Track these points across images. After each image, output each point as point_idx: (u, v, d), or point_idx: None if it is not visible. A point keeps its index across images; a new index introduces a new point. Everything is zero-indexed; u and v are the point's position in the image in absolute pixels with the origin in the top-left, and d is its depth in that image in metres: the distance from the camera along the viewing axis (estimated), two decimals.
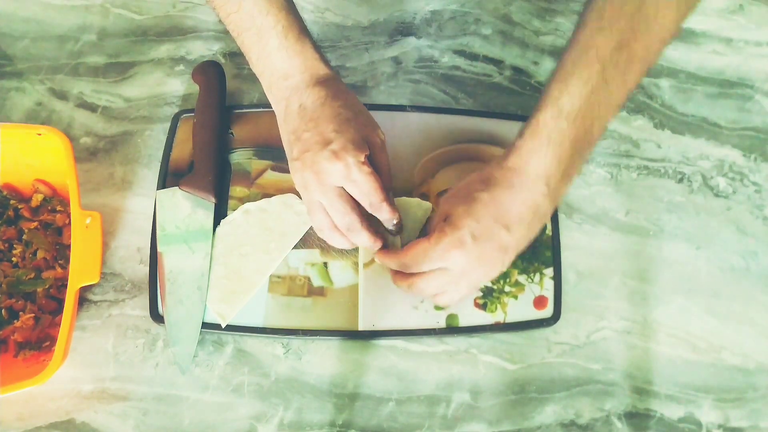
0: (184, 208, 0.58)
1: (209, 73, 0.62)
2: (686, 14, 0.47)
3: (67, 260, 0.55)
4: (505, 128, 0.63)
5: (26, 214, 0.57)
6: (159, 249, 0.57)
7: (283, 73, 0.51)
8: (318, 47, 0.52)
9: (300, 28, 0.51)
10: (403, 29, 0.69)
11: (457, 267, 0.49)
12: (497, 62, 0.68)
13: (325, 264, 0.57)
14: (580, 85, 0.46)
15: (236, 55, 0.67)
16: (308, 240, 0.58)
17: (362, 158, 0.49)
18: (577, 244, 0.61)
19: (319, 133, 0.49)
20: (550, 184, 0.48)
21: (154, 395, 0.54)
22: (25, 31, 0.67)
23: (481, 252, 0.48)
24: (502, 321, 0.57)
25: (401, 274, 0.53)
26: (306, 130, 0.50)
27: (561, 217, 0.61)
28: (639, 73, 0.47)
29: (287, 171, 0.60)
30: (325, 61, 0.52)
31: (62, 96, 0.64)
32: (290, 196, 0.59)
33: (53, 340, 0.53)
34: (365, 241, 0.52)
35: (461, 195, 0.50)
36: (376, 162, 0.51)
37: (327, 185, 0.49)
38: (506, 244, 0.49)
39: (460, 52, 0.68)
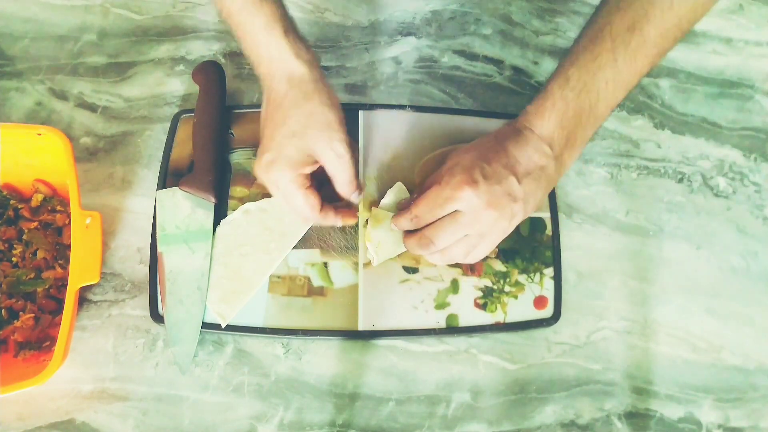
0: (184, 208, 0.58)
1: (209, 73, 0.62)
2: (702, 11, 0.48)
3: (67, 260, 0.55)
4: None
5: (26, 214, 0.57)
6: (159, 249, 0.57)
7: (264, 61, 0.50)
8: (301, 42, 0.50)
9: (284, 24, 0.49)
10: (403, 29, 0.69)
11: (469, 207, 0.49)
12: (497, 62, 0.68)
13: (325, 264, 0.57)
14: (589, 60, 0.48)
15: (236, 55, 0.67)
16: (308, 240, 0.58)
17: (292, 176, 0.50)
18: (577, 244, 0.61)
19: (267, 137, 0.50)
20: (553, 146, 0.50)
21: (154, 395, 0.54)
22: (25, 31, 0.67)
23: (491, 194, 0.49)
24: (502, 321, 0.57)
25: (413, 235, 0.53)
26: (264, 127, 0.51)
27: (561, 217, 0.61)
28: (650, 58, 0.48)
29: None
30: (305, 59, 0.50)
31: (62, 96, 0.64)
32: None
33: (53, 340, 0.53)
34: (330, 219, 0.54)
35: (469, 148, 0.53)
36: (331, 174, 0.51)
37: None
38: (515, 192, 0.50)
39: (460, 52, 0.68)
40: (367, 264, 0.58)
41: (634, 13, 0.47)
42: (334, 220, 0.54)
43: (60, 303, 0.55)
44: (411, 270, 0.58)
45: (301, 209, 0.52)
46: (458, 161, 0.51)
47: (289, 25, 0.50)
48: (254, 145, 0.61)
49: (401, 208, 0.56)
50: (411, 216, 0.52)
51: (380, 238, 0.56)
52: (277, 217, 0.58)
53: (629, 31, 0.47)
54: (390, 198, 0.58)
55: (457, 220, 0.50)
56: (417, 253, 0.54)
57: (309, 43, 0.51)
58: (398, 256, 0.57)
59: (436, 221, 0.51)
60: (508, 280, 0.58)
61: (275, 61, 0.49)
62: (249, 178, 0.60)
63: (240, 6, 0.49)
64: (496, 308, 0.57)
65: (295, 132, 0.49)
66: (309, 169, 0.50)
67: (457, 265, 0.58)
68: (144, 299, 0.57)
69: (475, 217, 0.50)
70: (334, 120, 0.50)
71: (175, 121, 0.62)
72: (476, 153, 0.51)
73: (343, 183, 0.52)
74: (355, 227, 0.59)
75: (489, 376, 0.57)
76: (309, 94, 0.49)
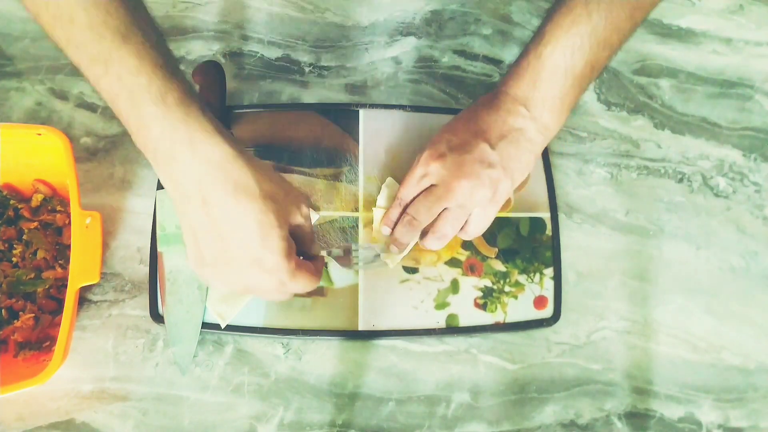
0: None
1: (209, 73, 0.62)
2: None
3: (67, 260, 0.55)
4: None
5: (26, 214, 0.57)
6: (159, 249, 0.57)
7: (166, 151, 0.39)
8: (206, 111, 0.41)
9: (182, 88, 0.39)
10: (403, 29, 0.69)
11: (439, 179, 0.50)
12: (497, 62, 0.68)
13: (326, 264, 0.57)
14: (563, 15, 0.48)
15: (236, 55, 0.67)
16: None
17: (293, 265, 0.43)
18: (577, 244, 0.61)
19: (239, 247, 0.41)
20: (529, 107, 0.50)
21: (154, 395, 0.54)
22: (25, 31, 0.66)
23: (460, 162, 0.49)
24: (502, 321, 0.57)
25: (401, 221, 0.53)
26: (217, 240, 0.41)
27: (561, 217, 0.61)
28: (626, 11, 0.47)
29: (288, 171, 0.60)
30: (219, 129, 0.41)
31: (62, 96, 0.64)
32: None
33: (53, 340, 0.53)
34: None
35: (444, 125, 0.53)
36: (303, 235, 0.46)
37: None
38: (488, 158, 0.50)
39: (460, 52, 0.68)
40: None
41: None
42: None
43: (60, 303, 0.55)
44: (411, 270, 0.58)
45: (311, 279, 0.45)
46: (432, 139, 0.53)
47: (183, 82, 0.40)
48: (254, 144, 0.61)
49: None
50: (397, 201, 0.54)
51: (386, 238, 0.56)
52: None
53: None
54: (385, 195, 0.58)
55: (432, 193, 0.51)
56: (406, 238, 0.54)
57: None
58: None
59: (415, 199, 0.52)
60: (508, 280, 0.58)
61: (187, 149, 0.39)
62: None
63: (119, 87, 0.38)
64: (496, 308, 0.57)
65: (261, 224, 0.41)
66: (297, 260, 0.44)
67: (457, 265, 0.58)
68: (144, 299, 0.57)
69: (448, 188, 0.50)
70: (286, 187, 0.44)
71: None
72: (446, 127, 0.53)
73: (311, 241, 0.47)
74: (356, 227, 0.59)
75: (489, 376, 0.57)
76: (247, 173, 0.40)
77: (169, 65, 0.39)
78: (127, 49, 0.37)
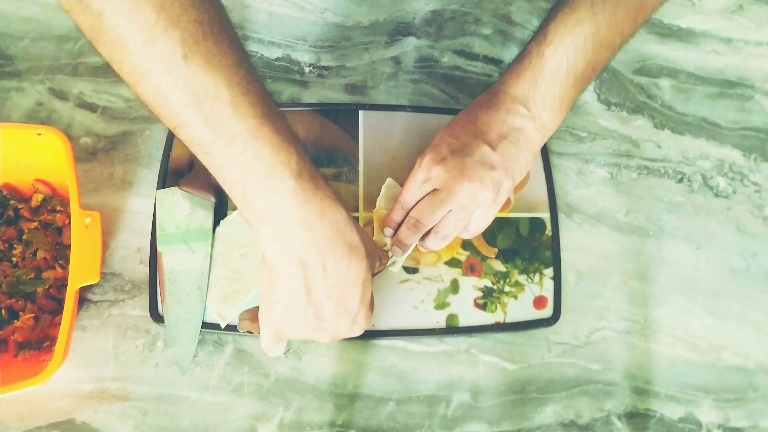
0: (184, 208, 0.58)
1: None
2: None
3: (67, 260, 0.55)
4: None
5: (26, 214, 0.57)
6: (159, 249, 0.57)
7: (296, 221, 0.40)
8: (325, 180, 0.43)
9: (309, 161, 0.41)
10: (403, 29, 0.69)
11: (442, 183, 0.50)
12: (497, 62, 0.68)
13: None
14: (567, 15, 0.48)
15: None
16: None
17: (371, 314, 0.48)
18: (577, 244, 0.61)
19: (342, 304, 0.44)
20: (529, 106, 0.50)
21: (154, 395, 0.54)
22: (25, 31, 0.66)
23: (462, 166, 0.49)
24: (502, 321, 0.57)
25: (404, 224, 0.53)
26: (329, 298, 0.44)
27: (561, 216, 0.61)
28: (631, 14, 0.47)
29: None
30: (335, 195, 0.43)
31: (62, 96, 0.64)
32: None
33: (53, 340, 0.53)
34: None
35: (445, 128, 0.53)
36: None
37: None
38: (490, 159, 0.50)
39: (460, 52, 0.68)
40: None
41: None
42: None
43: (60, 303, 0.55)
44: (411, 270, 0.58)
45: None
46: (432, 142, 0.53)
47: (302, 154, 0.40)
48: None
49: None
50: (398, 207, 0.54)
51: (387, 241, 0.56)
52: None
53: None
54: (385, 196, 0.58)
55: (435, 198, 0.51)
56: (410, 240, 0.54)
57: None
58: None
59: (418, 203, 0.52)
60: (507, 280, 0.58)
61: (316, 219, 0.41)
62: None
63: (259, 164, 0.38)
64: (496, 308, 0.57)
65: (363, 276, 0.44)
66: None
67: (457, 266, 0.58)
68: (144, 299, 0.57)
69: (451, 192, 0.50)
70: (371, 240, 0.47)
71: None
72: (446, 130, 0.53)
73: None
74: None
75: (489, 376, 0.57)
76: (354, 235, 0.43)
77: (296, 136, 0.40)
78: (267, 126, 0.37)
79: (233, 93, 0.36)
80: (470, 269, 0.58)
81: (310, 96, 0.65)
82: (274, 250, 0.42)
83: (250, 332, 0.53)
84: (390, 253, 0.55)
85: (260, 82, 0.38)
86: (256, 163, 0.38)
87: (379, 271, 0.54)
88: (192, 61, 0.34)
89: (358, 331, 0.48)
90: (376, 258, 0.47)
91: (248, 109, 0.36)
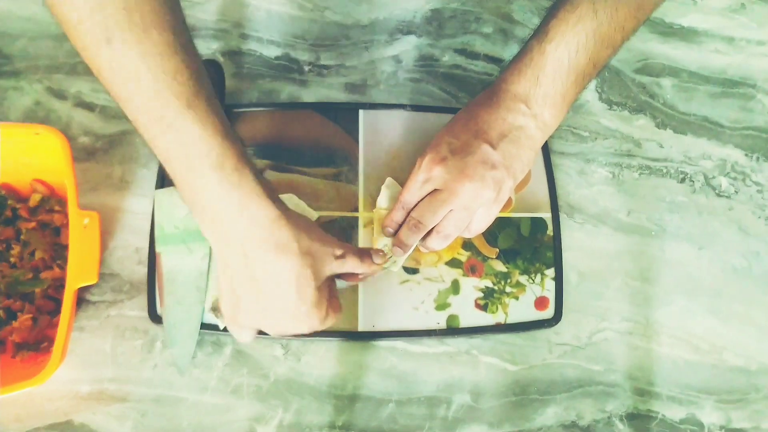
0: (183, 208, 0.57)
1: (208, 72, 0.61)
2: None
3: (65, 260, 0.55)
4: None
5: (24, 214, 0.57)
6: (157, 249, 0.57)
7: (216, 212, 0.41)
8: (259, 174, 0.42)
9: (238, 155, 0.41)
10: (404, 28, 0.69)
11: (443, 183, 0.50)
12: (498, 61, 0.68)
13: None
14: (569, 12, 0.47)
15: (236, 54, 0.66)
16: None
17: (323, 313, 0.46)
18: (578, 245, 0.61)
19: (273, 299, 0.44)
20: (530, 104, 0.50)
21: (152, 396, 0.54)
22: (23, 30, 0.66)
23: (463, 165, 0.49)
24: (503, 322, 0.57)
25: (405, 225, 0.53)
26: (255, 292, 0.44)
27: (562, 217, 0.61)
28: (632, 11, 0.47)
29: (286, 170, 0.60)
30: (267, 191, 0.42)
31: (60, 95, 0.63)
32: (290, 196, 0.59)
33: (51, 340, 0.53)
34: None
35: (444, 127, 0.53)
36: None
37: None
38: (491, 159, 0.49)
39: (461, 51, 0.68)
40: None
41: None
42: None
43: (58, 303, 0.55)
44: (411, 271, 0.58)
45: (336, 317, 0.49)
46: (432, 142, 0.52)
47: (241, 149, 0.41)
48: (253, 144, 0.61)
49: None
50: (398, 207, 0.53)
51: (388, 241, 0.56)
52: None
53: None
54: (385, 196, 0.58)
55: (436, 198, 0.51)
56: (411, 240, 0.53)
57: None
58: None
59: (419, 203, 0.52)
60: (509, 280, 0.58)
61: (236, 213, 0.41)
62: None
63: (179, 151, 0.39)
64: (497, 309, 0.57)
65: (299, 279, 0.43)
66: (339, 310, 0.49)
67: (457, 266, 0.58)
68: (142, 300, 0.56)
69: (452, 192, 0.50)
70: (323, 238, 0.46)
71: None
72: (446, 129, 0.52)
73: (360, 269, 0.49)
74: (356, 227, 0.59)
75: (490, 378, 0.56)
76: (290, 236, 0.43)
77: (227, 131, 0.40)
78: (190, 115, 0.38)
79: (157, 80, 0.37)
80: (471, 270, 0.58)
81: (310, 95, 0.65)
82: (207, 235, 0.44)
83: (217, 316, 0.53)
84: (390, 254, 0.55)
85: (198, 75, 0.40)
86: (175, 150, 0.40)
87: (367, 275, 0.52)
88: (115, 46, 0.36)
89: (307, 328, 0.46)
90: (325, 257, 0.45)
91: (171, 96, 0.38)
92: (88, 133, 0.62)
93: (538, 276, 0.58)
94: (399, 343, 0.57)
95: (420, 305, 0.57)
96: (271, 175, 0.60)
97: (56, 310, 0.56)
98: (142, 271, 0.57)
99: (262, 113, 0.62)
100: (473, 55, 0.68)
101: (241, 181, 0.41)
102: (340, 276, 0.50)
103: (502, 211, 0.55)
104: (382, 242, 0.55)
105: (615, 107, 0.67)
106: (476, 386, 0.56)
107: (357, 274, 0.50)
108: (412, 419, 0.55)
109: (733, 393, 0.58)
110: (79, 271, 0.49)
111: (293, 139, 0.61)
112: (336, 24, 0.69)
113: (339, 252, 0.47)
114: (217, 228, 0.42)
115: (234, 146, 0.41)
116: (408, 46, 0.68)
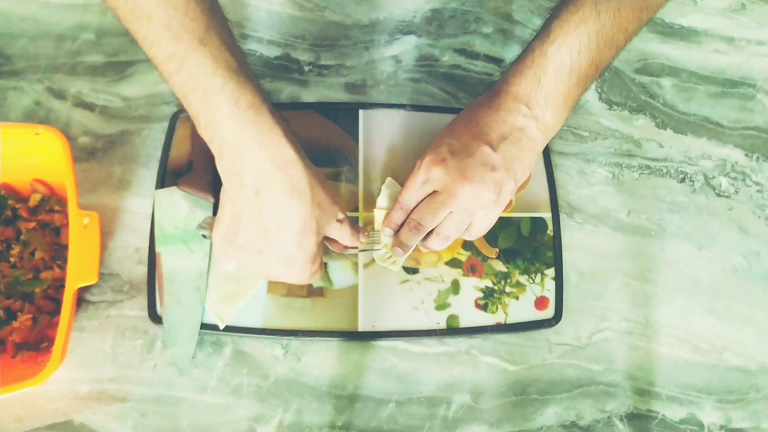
0: (183, 208, 0.57)
1: None
2: None
3: (65, 260, 0.55)
4: None
5: (24, 214, 0.57)
6: (157, 249, 0.57)
7: (234, 146, 0.42)
8: (276, 114, 0.43)
9: (254, 92, 0.42)
10: (404, 28, 0.69)
11: (442, 185, 0.50)
12: (498, 61, 0.68)
13: (325, 264, 0.57)
14: (571, 13, 0.47)
15: None
16: None
17: (315, 267, 0.48)
18: (578, 245, 0.61)
19: (272, 240, 0.45)
20: (531, 106, 0.49)
21: (152, 396, 0.54)
22: (23, 30, 0.66)
23: (463, 167, 0.49)
24: (503, 322, 0.57)
25: (405, 226, 0.53)
26: (258, 230, 0.44)
27: (562, 217, 0.61)
28: (635, 12, 0.47)
29: None
30: (286, 133, 0.43)
31: (60, 95, 0.63)
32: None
33: (51, 340, 0.53)
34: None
35: (446, 128, 0.53)
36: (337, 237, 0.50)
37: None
38: (491, 161, 0.49)
39: (461, 51, 0.68)
40: (367, 264, 0.57)
41: None
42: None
43: (58, 303, 0.55)
44: (411, 271, 0.58)
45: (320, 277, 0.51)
46: (433, 143, 0.52)
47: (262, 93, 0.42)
48: None
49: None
50: (398, 207, 0.53)
51: (388, 241, 0.56)
52: None
53: None
54: (385, 196, 0.58)
55: (436, 200, 0.50)
56: (411, 241, 0.53)
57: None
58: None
59: (419, 204, 0.52)
60: (509, 280, 0.58)
61: (253, 147, 0.42)
62: None
63: (194, 85, 0.40)
64: (497, 309, 0.57)
65: (306, 223, 0.44)
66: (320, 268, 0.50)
67: (457, 266, 0.58)
68: (142, 300, 0.56)
69: (452, 194, 0.49)
70: (333, 196, 0.47)
71: (174, 120, 0.62)
72: (447, 130, 0.52)
73: (348, 240, 0.50)
74: None
75: (490, 378, 0.56)
76: (302, 175, 0.44)
77: (242, 69, 0.42)
78: (203, 51, 0.40)
79: (168, 15, 0.39)
80: (471, 269, 0.58)
81: (310, 95, 0.65)
82: (221, 169, 0.44)
83: (204, 235, 0.54)
84: (385, 251, 0.55)
85: (211, 12, 0.41)
86: (191, 83, 0.40)
87: (349, 249, 0.53)
88: None
89: (293, 279, 0.47)
90: (330, 215, 0.46)
91: (183, 32, 0.39)
92: (88, 133, 0.62)
93: (538, 276, 0.58)
94: (399, 343, 0.57)
95: (420, 305, 0.57)
96: None
97: (56, 310, 0.56)
98: (142, 271, 0.57)
99: None
100: (473, 55, 0.68)
101: (258, 117, 0.41)
102: (329, 240, 0.51)
103: (502, 211, 0.55)
104: (383, 242, 0.56)
105: (615, 107, 0.67)
106: (476, 386, 0.56)
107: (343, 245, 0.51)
108: (412, 419, 0.55)
109: (733, 393, 0.58)
110: (79, 271, 0.49)
111: None
112: (336, 24, 0.68)
113: (341, 216, 0.48)
114: (235, 162, 0.42)
115: (249, 83, 0.42)
116: (408, 46, 0.68)
